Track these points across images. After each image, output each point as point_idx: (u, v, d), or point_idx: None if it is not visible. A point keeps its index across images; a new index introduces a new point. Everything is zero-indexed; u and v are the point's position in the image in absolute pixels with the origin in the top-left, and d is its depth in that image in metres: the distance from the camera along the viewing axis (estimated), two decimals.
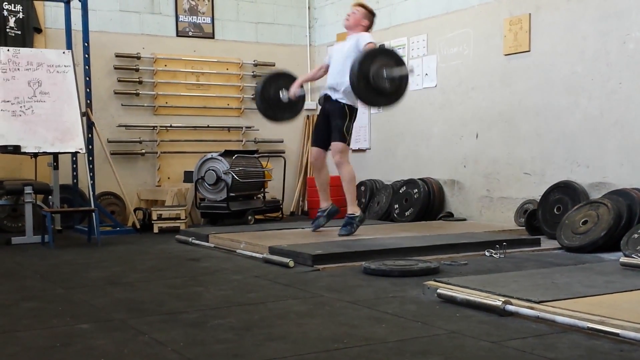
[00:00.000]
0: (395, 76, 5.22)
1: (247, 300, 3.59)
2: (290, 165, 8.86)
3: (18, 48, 6.78)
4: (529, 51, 6.36)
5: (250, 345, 2.70)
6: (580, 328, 2.74)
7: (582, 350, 2.54)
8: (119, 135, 8.00)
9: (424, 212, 7.12)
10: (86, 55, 7.08)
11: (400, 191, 7.43)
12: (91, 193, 6.90)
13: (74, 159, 7.31)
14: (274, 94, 6.06)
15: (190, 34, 8.48)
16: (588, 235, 5.20)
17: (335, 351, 2.61)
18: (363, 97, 5.32)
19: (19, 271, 4.74)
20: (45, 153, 6.55)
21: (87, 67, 7.09)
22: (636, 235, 4.90)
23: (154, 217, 7.13)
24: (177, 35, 8.40)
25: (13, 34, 7.45)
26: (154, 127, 8.20)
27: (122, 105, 8.06)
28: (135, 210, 7.44)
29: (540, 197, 6.06)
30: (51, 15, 7.72)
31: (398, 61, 5.32)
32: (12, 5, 7.47)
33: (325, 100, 5.80)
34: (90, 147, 7.03)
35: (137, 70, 8.11)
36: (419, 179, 7.35)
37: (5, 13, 7.43)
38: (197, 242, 5.96)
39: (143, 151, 8.13)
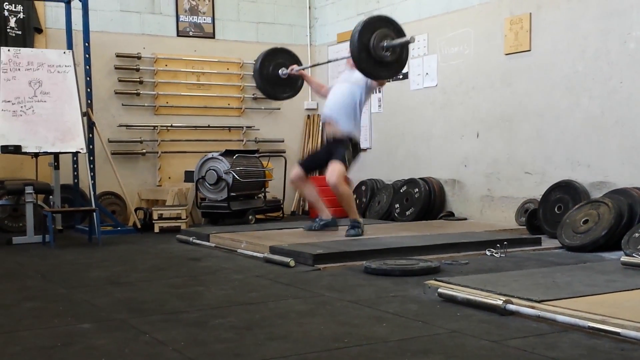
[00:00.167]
0: (395, 45, 5.14)
1: (248, 300, 3.59)
2: (290, 165, 8.82)
3: (19, 48, 6.79)
4: (529, 50, 6.36)
5: (251, 345, 2.70)
6: (581, 327, 2.74)
7: (583, 349, 2.54)
8: (119, 135, 8.01)
9: (425, 212, 7.12)
10: (87, 55, 7.09)
11: (401, 191, 7.43)
12: (92, 193, 6.90)
13: (75, 158, 7.31)
14: (272, 71, 6.03)
15: (190, 34, 8.48)
16: (589, 234, 5.20)
17: (336, 350, 2.61)
18: (365, 68, 5.24)
19: (20, 271, 4.75)
20: (46, 153, 6.56)
21: (87, 67, 7.10)
22: (637, 235, 4.90)
23: (155, 216, 7.13)
24: (178, 35, 8.40)
25: (14, 34, 7.45)
26: (154, 126, 8.20)
27: (122, 105, 8.06)
28: (136, 210, 7.44)
29: (541, 197, 6.05)
30: (52, 16, 7.72)
31: (398, 30, 5.26)
32: (13, 5, 7.48)
33: (326, 124, 5.85)
34: (91, 147, 7.03)
35: (137, 70, 8.12)
36: (419, 178, 7.35)
37: (6, 13, 7.43)
38: (198, 241, 5.96)
39: (144, 151, 8.13)
